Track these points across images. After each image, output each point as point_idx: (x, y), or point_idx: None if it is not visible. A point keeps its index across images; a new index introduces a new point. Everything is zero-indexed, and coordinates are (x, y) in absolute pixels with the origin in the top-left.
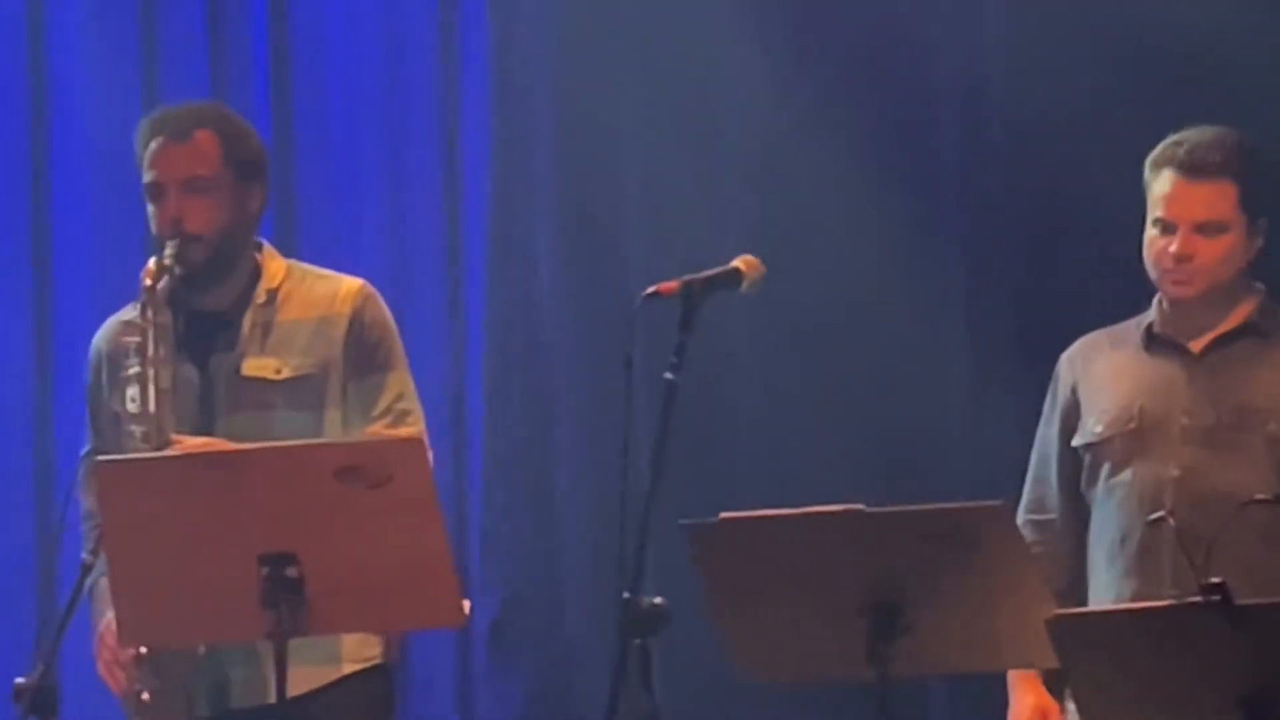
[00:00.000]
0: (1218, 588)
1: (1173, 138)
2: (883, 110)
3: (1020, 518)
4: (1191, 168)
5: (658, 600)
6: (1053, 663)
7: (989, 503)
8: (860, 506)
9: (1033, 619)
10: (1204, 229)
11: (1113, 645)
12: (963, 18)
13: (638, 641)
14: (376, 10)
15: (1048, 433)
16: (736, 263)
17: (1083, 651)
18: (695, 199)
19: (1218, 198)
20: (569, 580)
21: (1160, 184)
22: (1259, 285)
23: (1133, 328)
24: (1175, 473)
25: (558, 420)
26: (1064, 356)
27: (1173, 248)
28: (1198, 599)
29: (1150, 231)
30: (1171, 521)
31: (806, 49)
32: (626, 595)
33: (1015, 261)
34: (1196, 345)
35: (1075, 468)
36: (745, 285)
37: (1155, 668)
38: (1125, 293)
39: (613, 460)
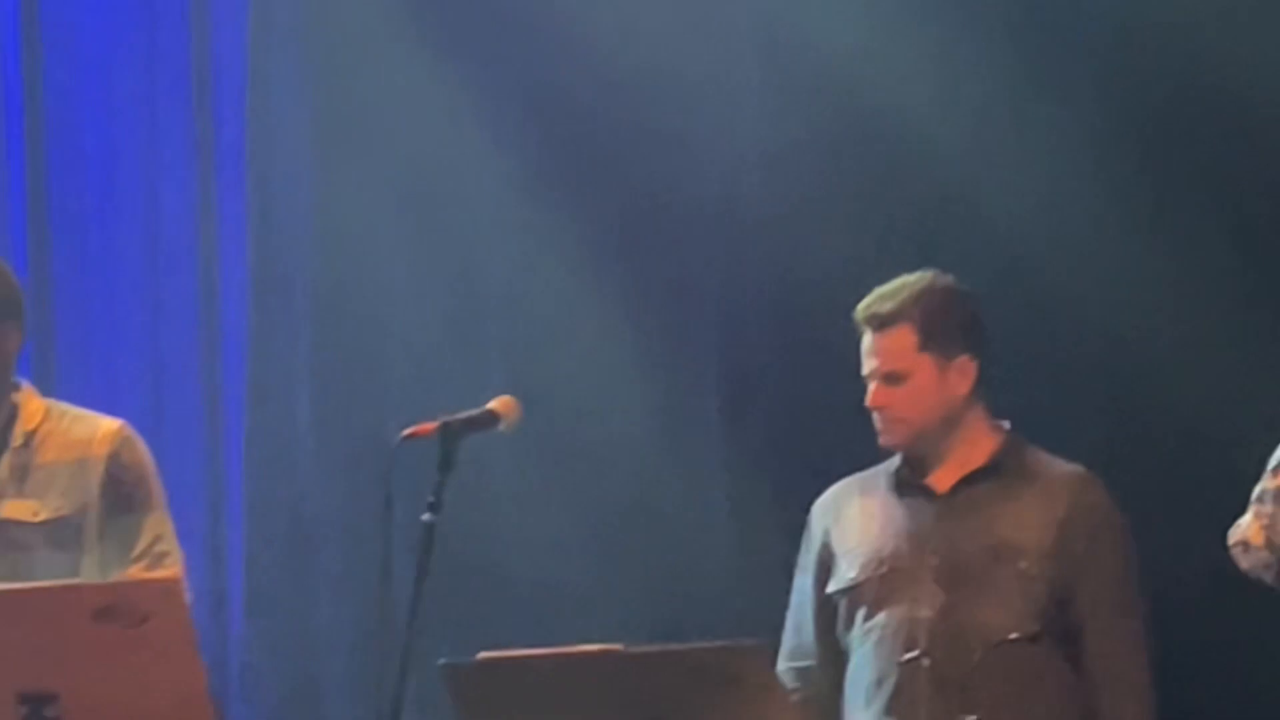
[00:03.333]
0: None
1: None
2: (641, 244)
3: (781, 665)
4: (869, 320)
5: None
6: None
7: (748, 642)
8: (618, 646)
9: None
10: (888, 379)
11: None
12: (718, 132)
13: None
14: (134, 135)
15: (803, 582)
16: (493, 404)
17: None
18: (454, 337)
19: (894, 346)
20: None
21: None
22: (1004, 424)
23: (882, 473)
24: (928, 613)
25: (318, 560)
26: (816, 506)
27: (866, 400)
28: None
29: None
30: (925, 662)
31: (563, 178)
32: None
33: (772, 394)
34: (942, 485)
35: (831, 614)
36: (503, 425)
37: None
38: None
39: (373, 600)
